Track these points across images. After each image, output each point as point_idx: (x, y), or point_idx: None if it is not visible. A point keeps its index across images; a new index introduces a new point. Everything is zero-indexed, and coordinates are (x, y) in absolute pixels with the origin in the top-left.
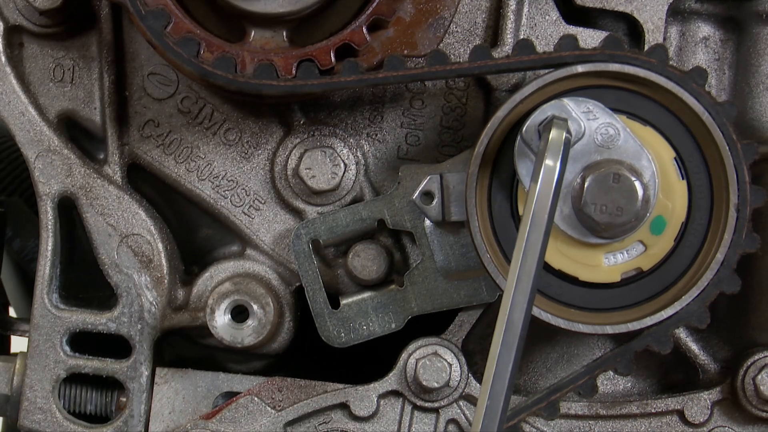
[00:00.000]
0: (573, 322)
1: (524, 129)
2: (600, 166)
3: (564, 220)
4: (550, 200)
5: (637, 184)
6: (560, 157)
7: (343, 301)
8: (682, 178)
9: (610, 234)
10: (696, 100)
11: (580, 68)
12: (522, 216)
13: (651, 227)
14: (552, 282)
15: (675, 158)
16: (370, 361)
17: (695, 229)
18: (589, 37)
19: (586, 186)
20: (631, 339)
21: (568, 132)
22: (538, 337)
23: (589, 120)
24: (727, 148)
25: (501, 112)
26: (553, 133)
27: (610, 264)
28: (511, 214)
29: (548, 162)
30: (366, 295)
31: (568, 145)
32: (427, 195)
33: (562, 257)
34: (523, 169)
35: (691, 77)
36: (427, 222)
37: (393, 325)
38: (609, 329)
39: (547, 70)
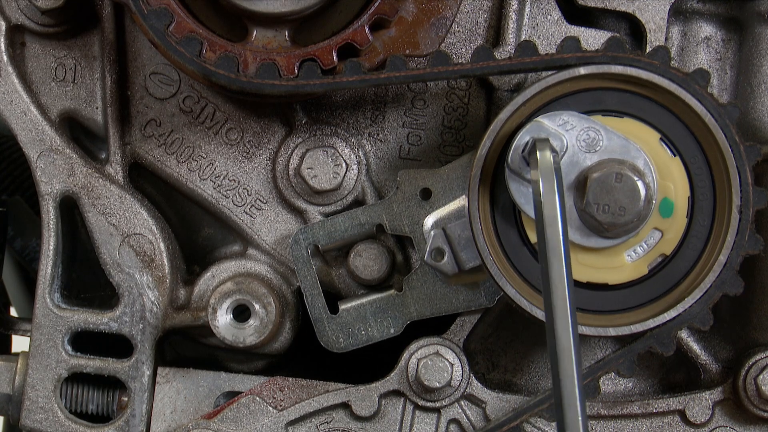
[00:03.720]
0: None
1: (509, 159)
2: (602, 166)
3: (575, 232)
4: (560, 225)
5: (639, 183)
6: (555, 179)
7: (342, 306)
8: (674, 155)
9: (613, 234)
10: (698, 102)
11: (582, 70)
12: (537, 247)
13: (660, 212)
14: None
15: (660, 138)
16: (371, 361)
17: (698, 230)
18: (591, 38)
19: (588, 186)
20: (633, 341)
21: (553, 150)
22: (539, 337)
23: (568, 131)
24: (730, 149)
25: (503, 115)
26: (540, 157)
27: (633, 260)
28: (514, 216)
29: (545, 187)
30: (365, 300)
31: (558, 165)
32: (438, 252)
33: (586, 269)
34: (521, 198)
35: (694, 79)
36: (425, 227)
37: (392, 330)
38: (612, 331)
39: (549, 72)
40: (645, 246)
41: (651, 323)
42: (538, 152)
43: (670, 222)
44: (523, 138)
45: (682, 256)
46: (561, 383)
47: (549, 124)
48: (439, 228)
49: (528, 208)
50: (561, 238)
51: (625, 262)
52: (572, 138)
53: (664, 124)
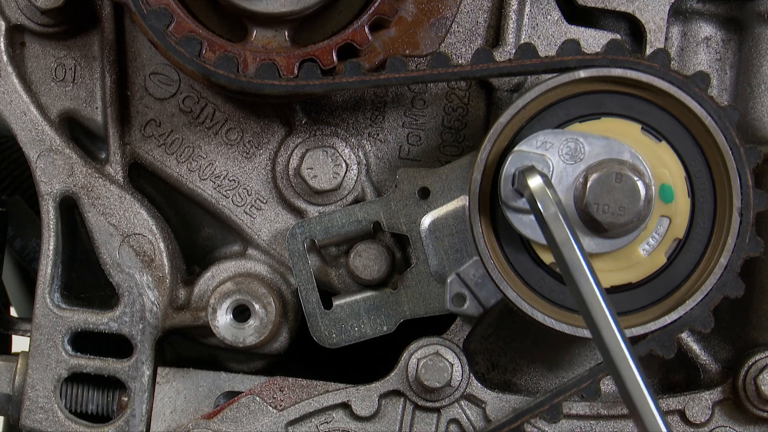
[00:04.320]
0: (577, 328)
1: (502, 197)
2: (602, 166)
3: (588, 242)
4: (574, 245)
5: (639, 183)
6: (554, 203)
7: (336, 302)
8: (659, 141)
9: (613, 233)
10: (699, 104)
11: (582, 73)
12: (561, 274)
13: (662, 198)
14: (555, 287)
15: (642, 128)
16: (371, 360)
17: (699, 233)
18: (591, 38)
19: (588, 186)
20: (634, 343)
21: (542, 174)
22: (540, 338)
23: (548, 149)
24: (731, 152)
25: (503, 118)
26: (532, 186)
27: (648, 252)
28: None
29: (548, 214)
30: (359, 296)
31: (552, 188)
32: (459, 297)
33: (606, 274)
34: (527, 229)
35: (694, 81)
36: (422, 226)
37: (385, 328)
38: None
39: (549, 75)
40: (657, 236)
41: (652, 326)
42: (528, 181)
43: (674, 206)
44: (509, 170)
45: (695, 237)
46: (632, 396)
47: (528, 149)
48: (450, 270)
49: (536, 236)
50: (580, 255)
51: (642, 256)
52: (555, 155)
53: (642, 113)
